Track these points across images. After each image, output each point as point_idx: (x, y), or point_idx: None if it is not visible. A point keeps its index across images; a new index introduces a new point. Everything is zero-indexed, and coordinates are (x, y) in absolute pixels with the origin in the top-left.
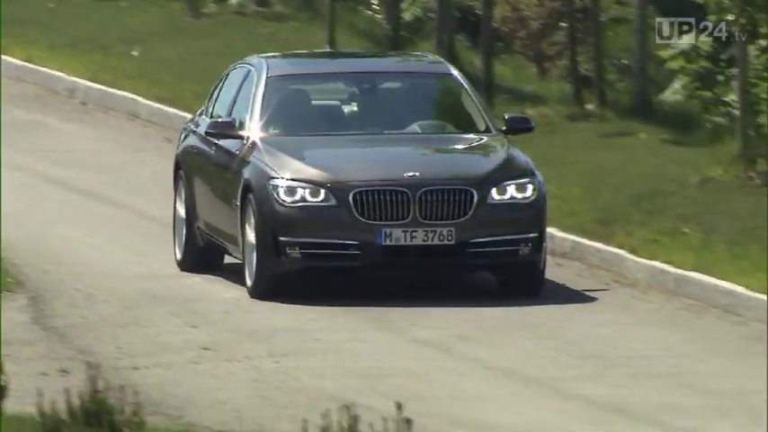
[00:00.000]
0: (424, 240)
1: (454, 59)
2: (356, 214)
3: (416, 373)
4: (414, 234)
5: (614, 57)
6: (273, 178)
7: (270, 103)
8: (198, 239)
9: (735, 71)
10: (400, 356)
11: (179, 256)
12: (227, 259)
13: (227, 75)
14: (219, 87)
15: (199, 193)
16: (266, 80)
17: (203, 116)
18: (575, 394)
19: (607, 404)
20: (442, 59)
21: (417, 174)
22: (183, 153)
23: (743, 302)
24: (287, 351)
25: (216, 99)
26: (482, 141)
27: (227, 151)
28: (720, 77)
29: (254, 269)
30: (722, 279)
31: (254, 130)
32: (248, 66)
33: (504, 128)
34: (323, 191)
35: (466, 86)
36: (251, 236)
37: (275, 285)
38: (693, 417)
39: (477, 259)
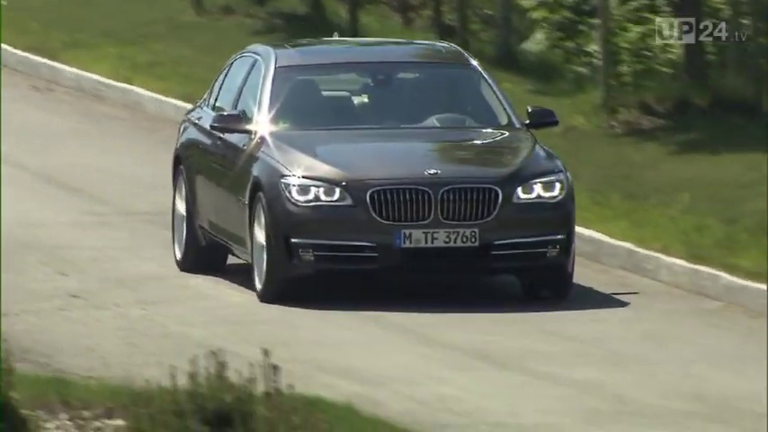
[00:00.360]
0: (445, 242)
1: (320, 9)
2: (374, 214)
3: (283, 320)
4: (435, 235)
5: (478, 7)
6: (285, 176)
7: (279, 95)
8: (200, 239)
9: (596, 21)
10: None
11: (179, 255)
12: (231, 260)
13: (231, 64)
14: (223, 77)
15: (201, 190)
16: (275, 71)
17: (205, 108)
18: (439, 341)
19: (471, 350)
20: (459, 49)
21: (438, 171)
22: (184, 147)
23: (605, 250)
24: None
25: (219, 90)
26: (505, 136)
27: (233, 146)
28: (582, 27)
29: (263, 272)
30: (584, 227)
31: (262, 123)
32: (254, 55)
33: (527, 121)
34: (338, 189)
35: (486, 77)
36: (260, 236)
37: (286, 289)
38: (556, 363)
39: (501, 262)
